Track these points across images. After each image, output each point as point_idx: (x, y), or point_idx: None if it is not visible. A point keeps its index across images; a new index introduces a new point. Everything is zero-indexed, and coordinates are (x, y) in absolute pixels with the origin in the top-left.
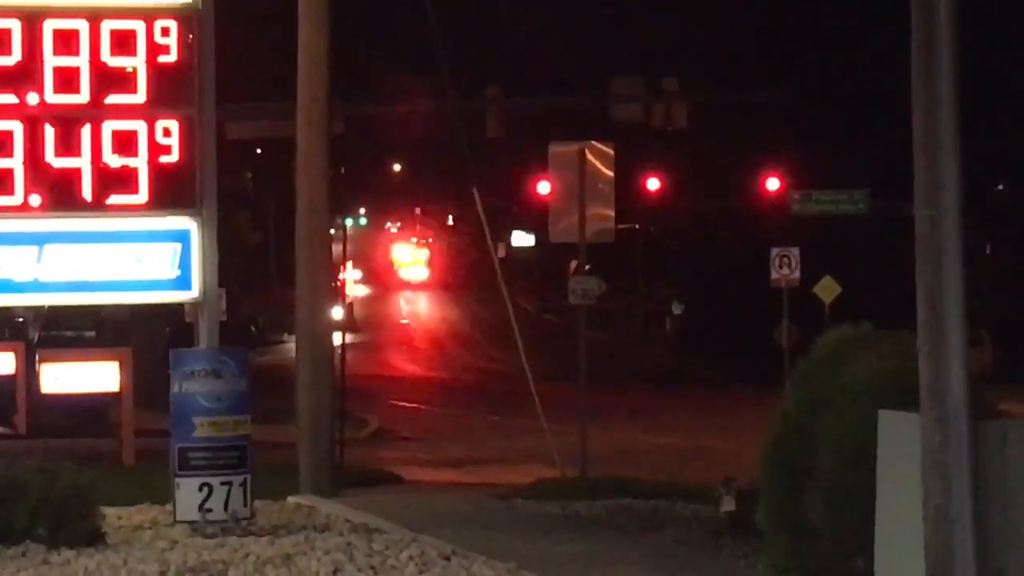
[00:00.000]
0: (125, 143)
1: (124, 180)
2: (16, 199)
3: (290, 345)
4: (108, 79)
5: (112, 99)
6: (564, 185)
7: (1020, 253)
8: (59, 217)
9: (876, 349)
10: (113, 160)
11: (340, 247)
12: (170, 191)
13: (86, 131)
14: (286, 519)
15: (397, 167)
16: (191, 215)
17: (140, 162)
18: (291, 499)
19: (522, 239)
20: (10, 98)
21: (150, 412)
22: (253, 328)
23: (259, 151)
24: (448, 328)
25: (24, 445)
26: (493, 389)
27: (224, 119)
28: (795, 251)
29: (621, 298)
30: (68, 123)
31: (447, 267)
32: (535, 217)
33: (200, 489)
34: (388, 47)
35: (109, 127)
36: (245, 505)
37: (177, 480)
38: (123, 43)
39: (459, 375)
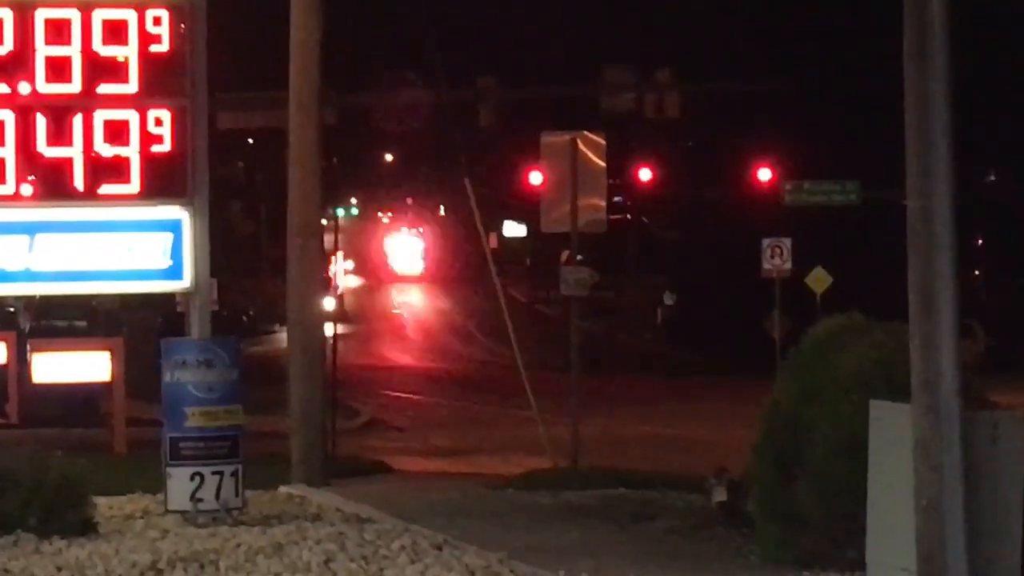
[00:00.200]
0: (117, 133)
1: (116, 170)
2: (8, 188)
3: (282, 335)
4: (100, 68)
5: (104, 89)
6: (556, 175)
7: (1012, 243)
8: (51, 206)
9: (868, 340)
10: (105, 150)
11: (331, 237)
12: (162, 181)
13: (78, 121)
14: (278, 509)
15: (389, 157)
16: (183, 205)
17: (132, 152)
18: (283, 489)
19: (514, 229)
20: (2, 87)
21: (142, 402)
22: (244, 318)
23: (251, 141)
24: (440, 318)
25: (15, 435)
26: (485, 379)
27: (216, 109)
28: (787, 242)
29: (613, 288)
30: (60, 113)
31: (441, 259)
32: (527, 207)
33: (192, 479)
34: (380, 37)
35: (101, 117)
36: (236, 495)
37: (169, 470)
38: (115, 32)
39: (451, 365)
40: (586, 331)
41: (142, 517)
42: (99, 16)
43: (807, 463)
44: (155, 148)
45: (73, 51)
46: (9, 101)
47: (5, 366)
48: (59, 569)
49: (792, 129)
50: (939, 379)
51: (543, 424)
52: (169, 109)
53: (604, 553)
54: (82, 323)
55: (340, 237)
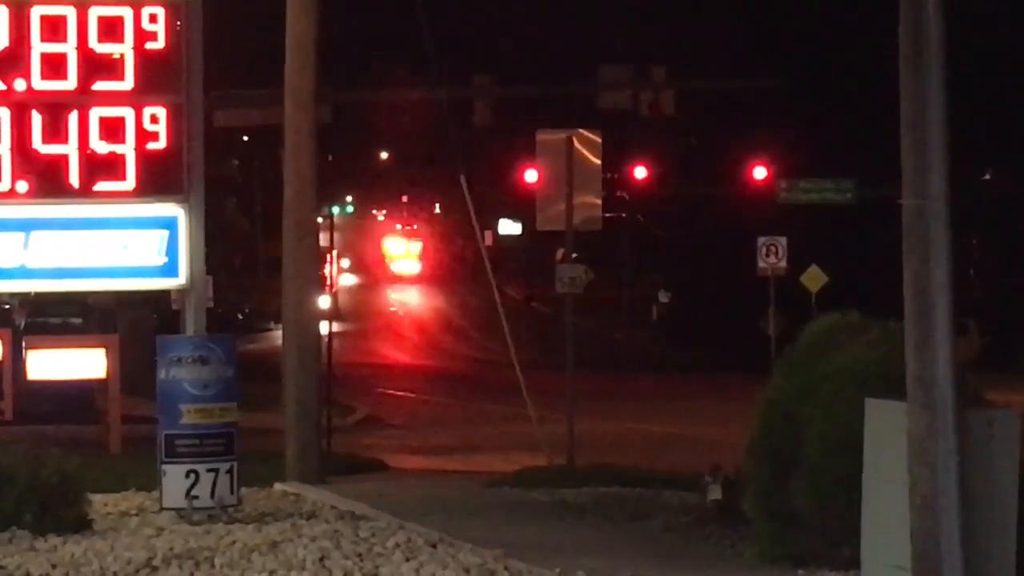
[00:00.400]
0: (112, 130)
1: (111, 167)
2: (3, 185)
3: (277, 332)
4: (96, 66)
5: (99, 86)
6: (551, 173)
7: (1007, 242)
8: (46, 204)
9: (863, 338)
10: (100, 147)
11: (327, 235)
12: (157, 178)
13: (73, 118)
14: (273, 506)
15: (384, 155)
16: (178, 202)
17: (127, 149)
18: (278, 486)
19: (509, 227)
20: None
21: (137, 399)
22: (240, 315)
23: (246, 138)
24: (436, 316)
25: (10, 432)
26: (480, 377)
27: (212, 106)
28: (782, 240)
29: (608, 286)
30: (55, 109)
31: (438, 259)
32: (522, 205)
33: (187, 476)
34: (376, 35)
35: (96, 114)
36: (232, 492)
37: (163, 467)
38: (111, 30)
39: (446, 363)
40: (581, 329)
41: (137, 514)
42: (95, 13)
43: (802, 461)
44: (151, 145)
45: (69, 48)
46: (5, 98)
47: (0, 363)
48: (54, 566)
49: (788, 127)
50: (934, 377)
51: (538, 422)
52: (165, 106)
53: (600, 551)
54: (77, 320)
55: (336, 235)
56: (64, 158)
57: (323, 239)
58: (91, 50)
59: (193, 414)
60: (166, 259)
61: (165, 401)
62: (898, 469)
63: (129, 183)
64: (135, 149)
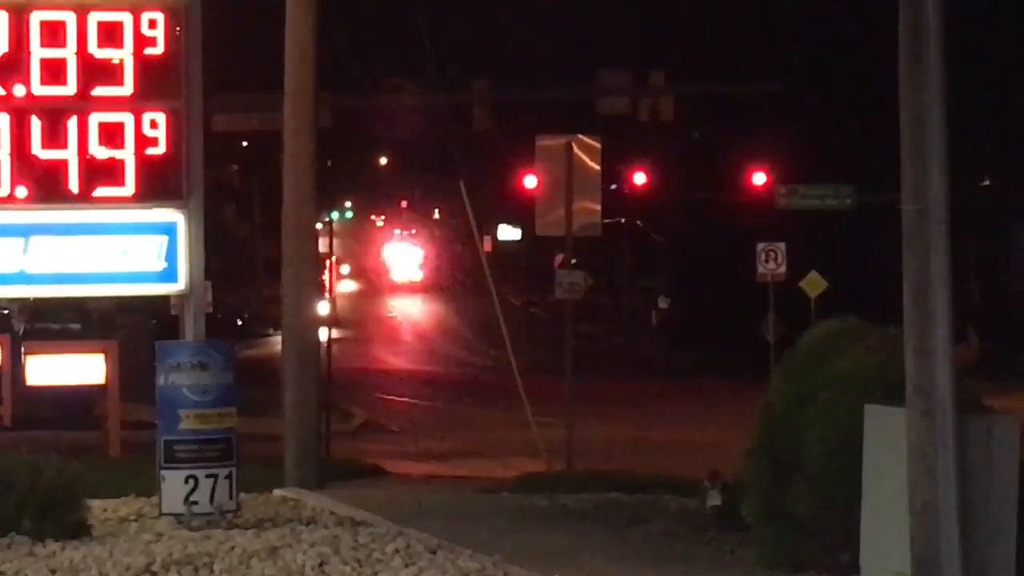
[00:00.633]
0: (112, 135)
1: (111, 172)
2: (2, 191)
3: (276, 338)
4: (95, 71)
5: (99, 91)
6: (551, 178)
7: (1006, 247)
8: (45, 209)
9: (862, 343)
10: (100, 152)
11: (326, 241)
12: (157, 183)
13: (73, 123)
14: (272, 512)
15: (384, 160)
16: (177, 207)
17: (127, 154)
18: (277, 492)
19: (508, 233)
20: None
21: (136, 404)
22: (239, 321)
23: (245, 143)
24: (435, 322)
25: (9, 437)
26: (480, 383)
27: (211, 111)
28: (781, 246)
29: (607, 292)
30: (55, 115)
31: (437, 265)
32: (521, 210)
33: (186, 481)
34: (375, 40)
35: (96, 119)
36: (231, 498)
37: (163, 472)
38: (110, 35)
39: (446, 369)
40: (580, 334)
41: (136, 520)
42: (94, 18)
43: (802, 467)
44: (150, 151)
45: (68, 53)
46: (4, 103)
47: None
48: (53, 572)
49: (787, 133)
50: (934, 383)
51: (537, 427)
52: (164, 111)
53: (599, 556)
54: (76, 326)
55: (335, 241)
56: (63, 163)
57: (322, 245)
58: (90, 55)
59: (192, 420)
60: (165, 264)
61: (164, 407)
62: (898, 475)
63: (128, 188)
64: (134, 154)
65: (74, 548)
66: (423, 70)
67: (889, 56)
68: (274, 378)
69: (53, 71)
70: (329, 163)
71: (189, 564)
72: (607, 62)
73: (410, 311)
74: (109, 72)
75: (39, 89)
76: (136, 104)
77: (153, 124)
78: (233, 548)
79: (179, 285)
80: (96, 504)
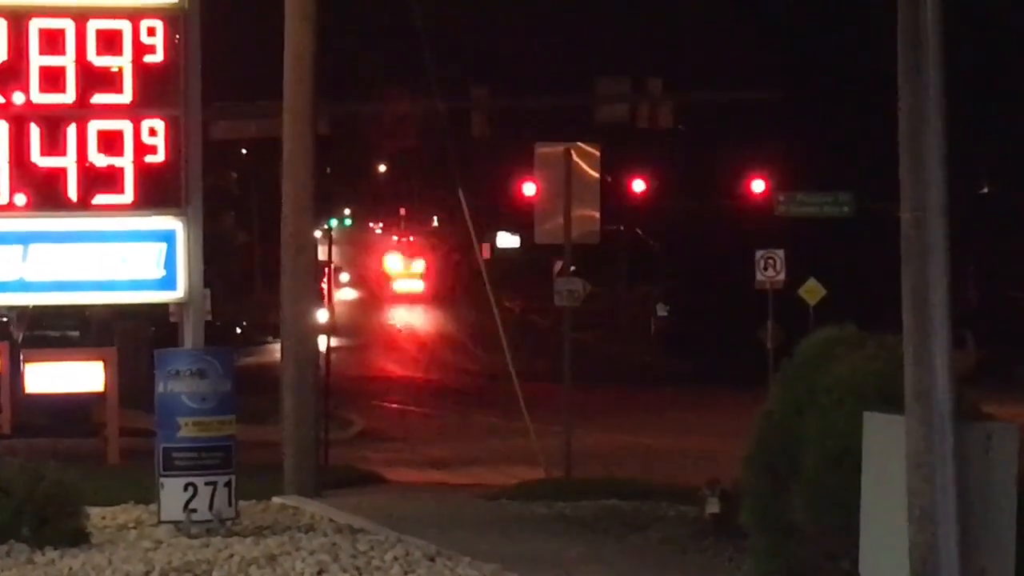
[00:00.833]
0: (111, 143)
1: (110, 180)
2: (1, 198)
3: (275, 346)
4: (94, 79)
5: (98, 99)
6: (550, 186)
7: (1005, 255)
8: (44, 217)
9: (861, 351)
10: (99, 160)
11: (325, 248)
12: (155, 191)
13: (72, 131)
14: (271, 519)
15: (383, 168)
16: (176, 215)
17: (126, 162)
18: (276, 499)
19: (507, 240)
20: None
21: (135, 412)
22: (238, 329)
23: (244, 151)
24: (434, 329)
25: (8, 445)
26: (479, 390)
27: (210, 119)
28: (780, 253)
29: (606, 299)
30: (54, 123)
31: (440, 277)
32: (520, 218)
33: (185, 489)
34: (374, 47)
35: (95, 127)
36: (230, 505)
37: (162, 480)
38: (109, 43)
39: (445, 376)
40: (579, 342)
41: (135, 527)
42: (93, 26)
43: (800, 474)
44: (149, 158)
45: (67, 61)
46: (3, 111)
47: None
48: None
49: (785, 140)
50: (932, 390)
51: (535, 435)
52: (163, 119)
53: (597, 563)
54: (75, 333)
55: (335, 248)
56: (62, 171)
57: (321, 252)
58: (89, 63)
59: (191, 427)
60: (164, 272)
61: (163, 414)
62: (896, 482)
63: (127, 196)
64: (133, 162)
65: (73, 556)
66: (422, 77)
67: (887, 63)
68: (273, 386)
69: (52, 79)
70: (328, 171)
71: (188, 572)
72: (605, 70)
73: (410, 320)
74: (108, 80)
75: (38, 97)
76: (135, 112)
77: (152, 132)
78: (232, 556)
79: (178, 293)
80: (95, 512)
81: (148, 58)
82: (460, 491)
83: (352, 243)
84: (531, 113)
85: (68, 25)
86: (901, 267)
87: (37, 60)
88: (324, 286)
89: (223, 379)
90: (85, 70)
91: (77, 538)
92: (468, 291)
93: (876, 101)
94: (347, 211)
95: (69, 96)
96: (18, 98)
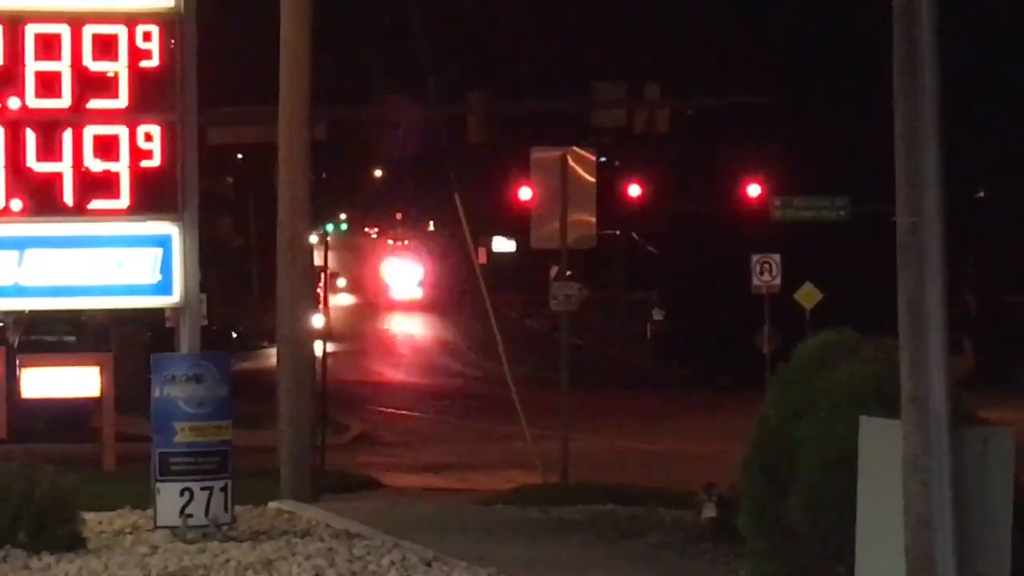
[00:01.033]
0: (107, 148)
1: (106, 185)
2: None
3: (271, 351)
4: (90, 84)
5: (94, 104)
6: (546, 191)
7: (1001, 259)
8: (40, 222)
9: (857, 355)
10: (95, 165)
11: (321, 253)
12: (152, 196)
13: (68, 136)
14: (267, 524)
15: (379, 173)
16: (172, 220)
17: (122, 167)
18: (272, 504)
19: (503, 244)
20: None
21: (131, 417)
22: (234, 333)
23: (240, 156)
24: (430, 334)
25: (4, 450)
26: (475, 395)
27: (206, 124)
28: (776, 257)
29: (602, 304)
30: (50, 128)
31: (433, 278)
32: (516, 222)
33: (181, 494)
34: (370, 51)
35: (91, 132)
36: (226, 510)
37: (158, 485)
38: (105, 48)
39: (441, 381)
40: (575, 346)
41: (131, 533)
42: (89, 31)
43: (796, 478)
44: (145, 163)
45: (63, 66)
46: None
47: None
48: None
49: (782, 145)
50: (929, 395)
51: (531, 440)
52: (159, 124)
53: (594, 569)
54: (71, 338)
55: (331, 253)
56: (58, 176)
57: (317, 257)
58: (85, 68)
59: (187, 432)
60: (160, 277)
61: (159, 419)
62: (893, 487)
63: (123, 201)
64: (129, 167)
65: (69, 561)
66: (419, 82)
67: (883, 67)
68: (269, 390)
69: (48, 84)
70: (324, 175)
71: None
72: (602, 74)
73: (408, 328)
74: (104, 85)
75: (34, 102)
76: (131, 117)
77: (148, 137)
78: (228, 561)
79: (174, 298)
80: (91, 517)
81: (144, 63)
82: (456, 496)
83: (348, 248)
84: (528, 118)
85: (64, 30)
86: (897, 271)
87: (33, 65)
88: (320, 291)
89: (219, 384)
90: (81, 75)
91: (73, 543)
92: (465, 296)
93: (872, 105)
94: (343, 216)
95: (65, 101)
96: (14, 103)
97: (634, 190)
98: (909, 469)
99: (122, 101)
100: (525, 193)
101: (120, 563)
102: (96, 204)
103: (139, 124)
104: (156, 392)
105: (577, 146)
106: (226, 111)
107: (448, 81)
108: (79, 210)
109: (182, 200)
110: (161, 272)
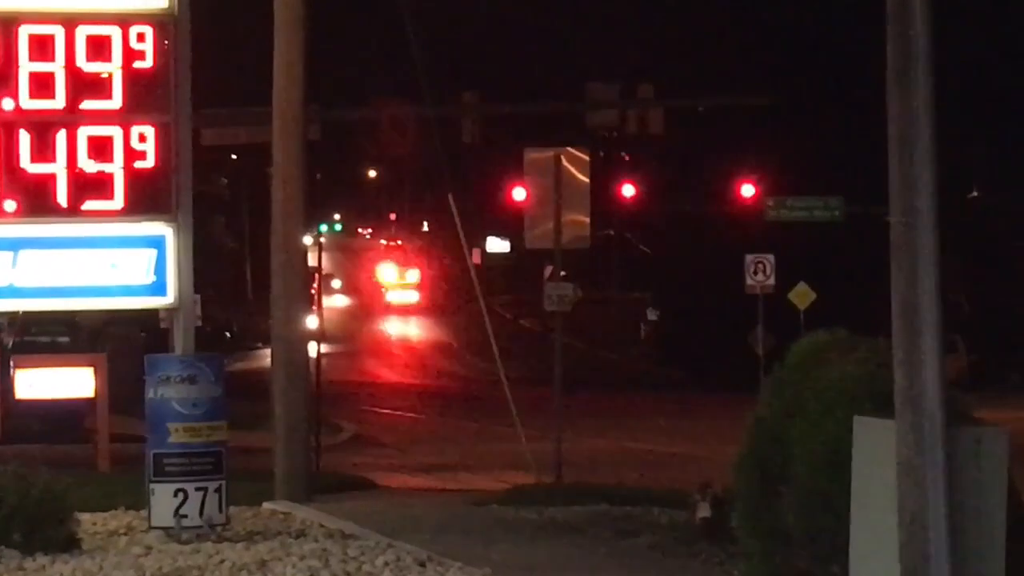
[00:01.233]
0: (101, 149)
1: (100, 186)
2: None
3: (265, 351)
4: (84, 85)
5: (88, 105)
6: (540, 191)
7: (993, 259)
8: (34, 223)
9: (851, 355)
10: (89, 166)
11: (315, 254)
12: (146, 197)
13: (61, 137)
14: (261, 525)
15: (373, 173)
16: (166, 221)
17: (116, 168)
18: (266, 505)
19: (497, 245)
20: None
21: (125, 418)
22: (228, 334)
23: (234, 157)
24: (425, 336)
25: None
26: (469, 395)
27: (200, 125)
28: (770, 258)
29: (596, 304)
30: (43, 129)
31: (434, 286)
32: (510, 223)
33: (175, 495)
34: (364, 53)
35: (85, 133)
36: (220, 511)
37: (152, 486)
38: (99, 49)
39: (435, 381)
40: (569, 347)
41: (126, 533)
42: (83, 32)
43: (790, 479)
44: (139, 164)
45: (57, 67)
46: None
47: None
48: None
49: (775, 145)
50: (922, 395)
51: (525, 440)
52: (153, 125)
53: (588, 569)
54: (65, 339)
55: (325, 254)
56: (52, 177)
57: (311, 258)
58: (79, 69)
59: (181, 433)
60: (154, 278)
61: (153, 420)
62: (886, 486)
63: (117, 202)
64: (123, 168)
65: (64, 562)
66: (412, 83)
67: (877, 67)
68: (263, 391)
69: (42, 85)
70: (318, 176)
71: None
72: (596, 75)
73: (403, 330)
74: (98, 86)
75: (28, 103)
76: (125, 118)
77: (142, 138)
78: (223, 561)
79: (168, 299)
80: (86, 518)
81: (138, 64)
82: (451, 496)
83: (342, 249)
84: (522, 118)
85: (58, 31)
86: (891, 271)
87: (27, 66)
88: (314, 291)
89: (213, 385)
90: (75, 76)
91: (68, 544)
92: (460, 296)
93: (866, 105)
94: (337, 216)
95: (59, 102)
96: (8, 104)
97: (628, 190)
98: (903, 469)
99: (116, 102)
100: (519, 193)
101: (114, 564)
102: (90, 205)
103: (133, 125)
104: (150, 393)
105: (571, 146)
106: (220, 112)
107: (442, 82)
108: (73, 211)
109: (176, 201)
110: (155, 273)
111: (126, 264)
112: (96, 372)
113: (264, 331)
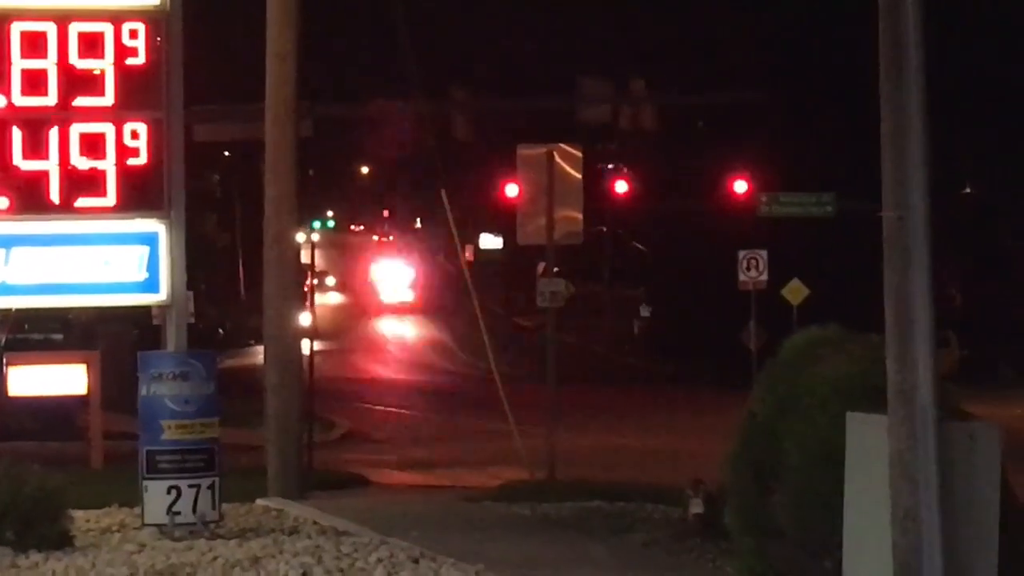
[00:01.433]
0: (93, 146)
1: (92, 183)
2: None
3: (258, 348)
4: (76, 81)
5: (80, 101)
6: (532, 187)
7: (986, 255)
8: (27, 220)
9: (844, 351)
10: (81, 163)
11: (308, 251)
12: (138, 194)
13: (54, 133)
14: (254, 522)
15: (365, 170)
16: (159, 218)
17: (108, 165)
18: (259, 502)
19: (490, 241)
20: None
21: (118, 415)
22: (220, 331)
23: (227, 153)
24: (418, 331)
25: None
26: (462, 392)
27: (192, 121)
28: (763, 253)
29: (589, 300)
30: (36, 125)
31: (429, 285)
32: (503, 219)
33: (168, 492)
34: (356, 49)
35: (77, 130)
36: (213, 508)
37: (145, 483)
38: (91, 45)
39: (429, 378)
40: (562, 343)
41: (119, 531)
42: (75, 29)
43: (783, 475)
44: (131, 161)
45: (49, 64)
46: None
47: None
48: None
49: (768, 141)
50: (915, 390)
51: (518, 436)
52: (145, 122)
53: (581, 565)
54: (58, 336)
55: (318, 251)
56: (45, 174)
57: (304, 255)
58: (71, 66)
59: (174, 430)
60: (147, 275)
61: (146, 417)
62: (880, 482)
63: (110, 199)
64: (116, 165)
65: (57, 559)
66: (404, 79)
67: (870, 63)
68: (256, 388)
69: (34, 82)
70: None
71: (172, 574)
72: (588, 70)
73: (397, 328)
74: (90, 83)
75: (20, 100)
76: (117, 114)
77: (134, 134)
78: (216, 558)
79: (161, 295)
80: (79, 515)
81: (130, 60)
82: (444, 493)
83: (335, 245)
84: (513, 114)
85: (50, 28)
86: (883, 267)
87: (19, 63)
88: (307, 288)
89: (206, 382)
90: (67, 73)
91: (61, 541)
92: (453, 293)
93: (859, 101)
94: (329, 213)
95: (51, 99)
96: (0, 101)
97: (621, 186)
98: (896, 464)
99: (108, 99)
100: (511, 190)
101: (108, 561)
102: (83, 202)
103: (125, 122)
104: (143, 390)
105: (563, 142)
106: (212, 108)
107: (433, 78)
108: (66, 208)
109: (168, 198)
110: (148, 270)
111: (119, 261)
112: (89, 369)
113: (257, 328)
